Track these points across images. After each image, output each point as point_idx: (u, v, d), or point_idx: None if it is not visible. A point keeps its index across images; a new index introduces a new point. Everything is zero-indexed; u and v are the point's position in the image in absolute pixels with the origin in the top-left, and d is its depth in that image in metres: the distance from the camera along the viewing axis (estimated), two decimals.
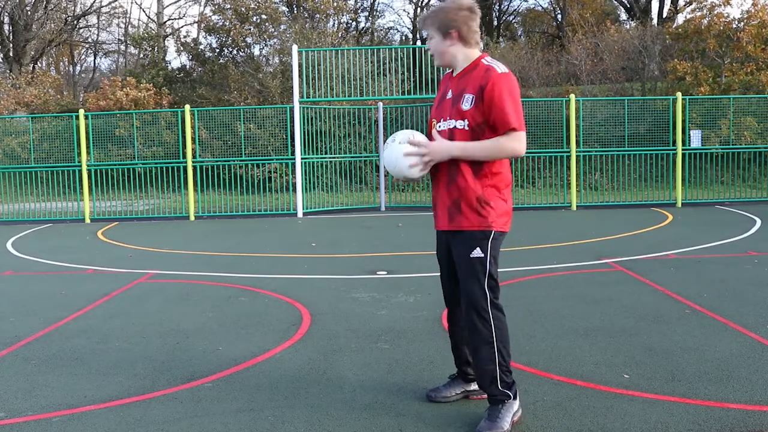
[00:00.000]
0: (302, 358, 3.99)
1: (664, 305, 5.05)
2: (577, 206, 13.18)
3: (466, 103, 2.86)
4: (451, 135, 2.90)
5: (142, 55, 25.64)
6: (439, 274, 3.27)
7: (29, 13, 26.88)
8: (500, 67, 2.86)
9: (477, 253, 2.88)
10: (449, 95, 2.99)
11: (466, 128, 2.86)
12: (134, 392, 3.49)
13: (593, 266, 6.73)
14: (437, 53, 2.99)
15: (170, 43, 28.12)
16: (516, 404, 2.97)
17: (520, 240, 8.80)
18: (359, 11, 28.93)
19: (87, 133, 13.40)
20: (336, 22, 22.91)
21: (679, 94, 13.23)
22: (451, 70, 3.09)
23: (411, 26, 35.65)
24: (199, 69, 22.11)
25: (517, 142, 2.81)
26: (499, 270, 2.96)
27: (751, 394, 3.24)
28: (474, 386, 3.28)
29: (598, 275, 6.27)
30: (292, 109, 13.65)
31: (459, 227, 2.91)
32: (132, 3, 57.79)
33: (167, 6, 33.64)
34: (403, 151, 2.91)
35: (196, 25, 30.05)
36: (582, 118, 13.52)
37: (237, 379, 3.64)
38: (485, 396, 3.28)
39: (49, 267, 7.69)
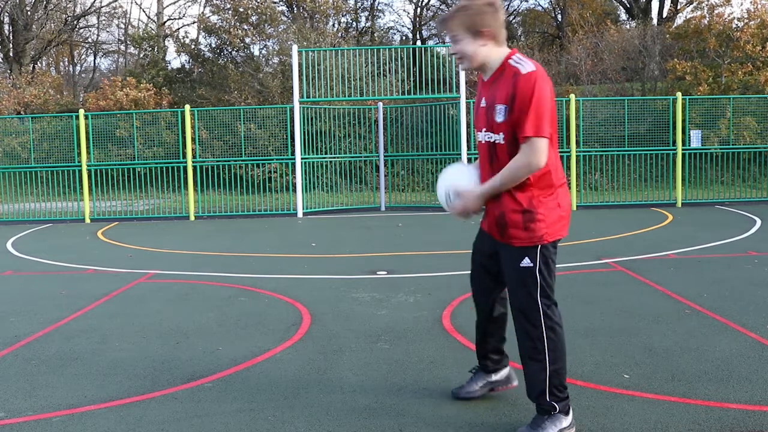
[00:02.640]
0: (302, 358, 3.99)
1: (664, 305, 5.05)
2: (577, 206, 13.17)
3: (500, 115, 2.69)
4: (491, 149, 2.77)
5: (142, 55, 25.62)
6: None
7: (29, 13, 26.87)
8: (525, 67, 2.64)
9: (526, 262, 2.74)
10: (483, 103, 2.82)
11: (503, 142, 2.71)
12: (134, 392, 3.49)
13: (593, 266, 6.73)
14: (467, 56, 2.75)
15: (170, 43, 28.10)
16: (566, 421, 2.78)
17: None
18: (359, 11, 28.92)
19: (87, 133, 13.39)
20: (336, 22, 22.90)
21: (679, 94, 13.22)
22: (481, 74, 2.88)
23: (411, 26, 35.66)
24: (199, 69, 22.10)
25: (532, 155, 2.61)
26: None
27: (751, 394, 3.24)
28: (495, 377, 3.22)
29: (598, 275, 6.28)
30: (292, 109, 13.65)
31: (509, 242, 2.78)
32: (132, 3, 57.81)
33: (167, 6, 33.65)
34: (451, 208, 2.91)
35: (195, 25, 30.07)
36: (582, 118, 13.52)
37: (237, 379, 3.64)
38: (510, 386, 3.25)
39: (49, 267, 7.69)
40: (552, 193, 2.73)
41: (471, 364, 3.74)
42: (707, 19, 18.78)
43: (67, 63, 39.86)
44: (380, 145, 14.17)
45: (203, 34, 23.15)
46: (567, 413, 2.81)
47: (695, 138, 13.73)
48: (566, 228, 2.82)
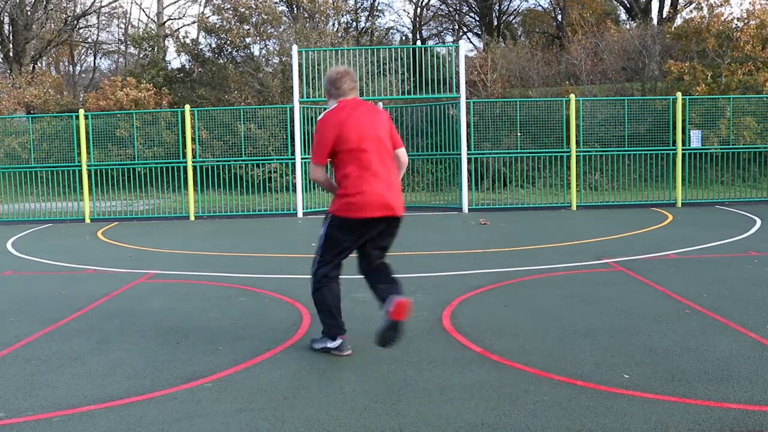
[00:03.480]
0: (302, 358, 3.99)
1: (664, 305, 5.05)
2: (577, 206, 13.17)
3: None
4: None
5: (142, 55, 25.58)
6: None
7: (29, 13, 26.86)
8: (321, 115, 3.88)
9: (321, 228, 3.94)
10: None
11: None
12: (134, 392, 3.49)
13: (593, 266, 6.73)
14: None
15: (170, 43, 28.09)
16: (330, 343, 4.00)
17: (520, 240, 8.80)
18: (359, 11, 28.92)
19: (87, 133, 13.39)
20: (336, 22, 22.89)
21: (679, 94, 13.22)
22: None
23: (411, 26, 35.66)
24: (199, 69, 22.09)
25: (310, 172, 3.92)
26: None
27: (751, 394, 3.24)
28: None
29: (598, 275, 6.28)
30: (292, 109, 13.65)
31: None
32: (132, 3, 57.80)
33: (167, 6, 33.63)
34: None
35: (195, 25, 30.06)
36: (582, 118, 13.52)
37: (237, 379, 3.64)
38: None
39: (49, 267, 7.69)
40: (343, 190, 3.82)
41: (471, 364, 3.75)
42: (707, 19, 18.77)
43: (67, 63, 39.86)
44: None
45: (203, 34, 23.15)
46: (333, 339, 3.98)
47: (695, 138, 13.72)
48: (354, 212, 3.75)
